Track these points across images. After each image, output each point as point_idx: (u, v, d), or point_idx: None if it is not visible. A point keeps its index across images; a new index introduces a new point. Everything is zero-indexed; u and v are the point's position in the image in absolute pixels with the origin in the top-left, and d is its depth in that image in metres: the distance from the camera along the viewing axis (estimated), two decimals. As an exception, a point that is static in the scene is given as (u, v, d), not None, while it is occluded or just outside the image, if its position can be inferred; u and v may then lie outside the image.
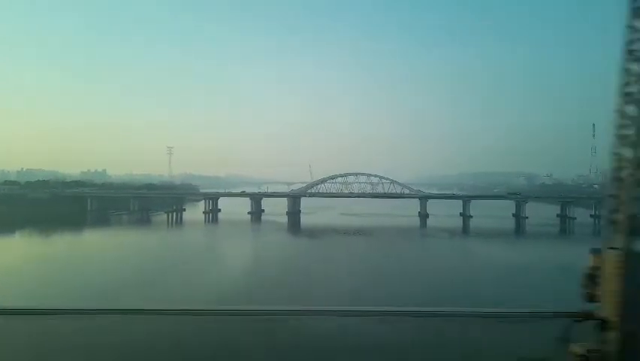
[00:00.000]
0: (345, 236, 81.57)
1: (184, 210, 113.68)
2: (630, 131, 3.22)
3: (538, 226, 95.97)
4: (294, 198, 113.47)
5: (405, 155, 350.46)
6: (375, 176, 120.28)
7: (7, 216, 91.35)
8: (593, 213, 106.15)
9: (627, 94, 3.31)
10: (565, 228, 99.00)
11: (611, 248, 3.21)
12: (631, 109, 3.26)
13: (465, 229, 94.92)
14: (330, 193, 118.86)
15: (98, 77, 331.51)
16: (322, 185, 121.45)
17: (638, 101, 3.32)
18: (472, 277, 42.45)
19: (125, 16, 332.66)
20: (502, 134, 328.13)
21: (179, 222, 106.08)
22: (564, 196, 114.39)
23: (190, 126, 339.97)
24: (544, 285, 38.07)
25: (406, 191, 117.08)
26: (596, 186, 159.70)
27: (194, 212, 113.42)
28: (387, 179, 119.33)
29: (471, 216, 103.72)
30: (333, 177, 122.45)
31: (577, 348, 3.12)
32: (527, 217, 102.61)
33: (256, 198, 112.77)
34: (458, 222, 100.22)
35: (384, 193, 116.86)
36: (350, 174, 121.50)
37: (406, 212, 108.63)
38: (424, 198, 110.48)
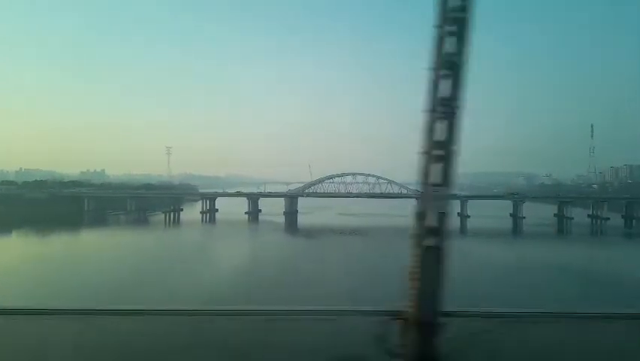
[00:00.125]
0: (342, 236, 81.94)
1: (181, 210, 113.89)
2: (439, 132, 3.25)
3: (535, 225, 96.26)
4: (292, 199, 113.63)
5: (405, 155, 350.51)
6: (373, 176, 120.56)
7: (4, 216, 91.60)
8: (590, 213, 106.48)
9: (436, 94, 3.37)
10: (562, 228, 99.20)
11: (421, 246, 3.26)
12: (440, 108, 3.30)
13: (462, 229, 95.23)
14: (327, 193, 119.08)
15: (98, 77, 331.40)
16: (320, 185, 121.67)
17: (448, 101, 3.38)
18: (460, 277, 42.44)
19: (125, 16, 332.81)
20: (502, 134, 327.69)
21: (177, 222, 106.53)
22: (561, 196, 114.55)
23: (190, 126, 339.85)
24: (532, 284, 38.07)
25: (404, 191, 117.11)
26: (594, 186, 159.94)
27: (192, 212, 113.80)
28: (384, 179, 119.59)
29: (468, 216, 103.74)
30: (330, 177, 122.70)
31: (388, 346, 3.15)
32: (524, 217, 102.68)
33: (253, 198, 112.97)
34: (456, 222, 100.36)
35: (382, 193, 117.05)
36: (347, 174, 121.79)
37: (404, 212, 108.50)
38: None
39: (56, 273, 47.74)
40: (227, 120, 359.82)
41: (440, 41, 3.61)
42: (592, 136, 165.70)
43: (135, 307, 4.47)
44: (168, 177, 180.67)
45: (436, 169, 3.51)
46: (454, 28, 3.63)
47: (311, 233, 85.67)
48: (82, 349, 3.87)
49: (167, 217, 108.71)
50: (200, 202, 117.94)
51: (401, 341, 3.36)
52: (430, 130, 3.54)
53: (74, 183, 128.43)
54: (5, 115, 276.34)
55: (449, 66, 3.56)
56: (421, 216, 3.50)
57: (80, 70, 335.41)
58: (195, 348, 3.92)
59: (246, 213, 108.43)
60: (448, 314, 3.64)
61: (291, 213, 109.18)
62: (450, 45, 3.60)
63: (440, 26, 3.56)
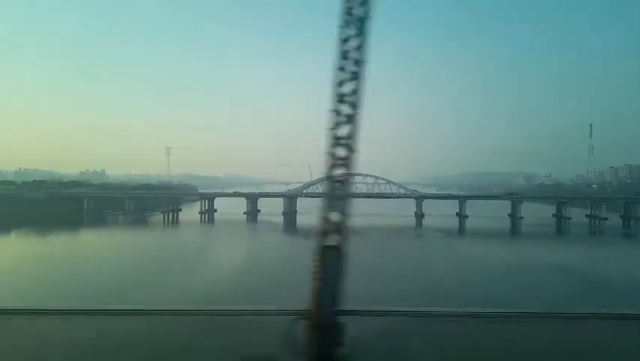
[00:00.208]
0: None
1: (180, 210, 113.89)
2: (343, 131, 3.25)
3: (533, 226, 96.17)
4: (290, 199, 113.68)
5: (405, 155, 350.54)
6: (371, 176, 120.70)
7: (3, 216, 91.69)
8: (588, 213, 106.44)
9: (340, 94, 3.39)
10: (560, 228, 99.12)
11: (324, 245, 3.26)
12: (344, 108, 3.34)
13: (461, 229, 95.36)
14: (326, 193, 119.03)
15: (98, 77, 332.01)
16: (318, 185, 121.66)
17: (351, 100, 3.41)
18: (451, 277, 42.64)
19: (125, 17, 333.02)
20: (502, 135, 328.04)
21: (175, 222, 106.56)
22: (559, 196, 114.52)
23: (190, 126, 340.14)
24: (516, 284, 38.09)
25: (402, 191, 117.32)
26: (594, 186, 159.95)
27: (191, 212, 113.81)
28: (382, 179, 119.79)
29: (467, 216, 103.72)
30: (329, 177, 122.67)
31: (291, 345, 3.17)
32: (523, 217, 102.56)
33: (252, 199, 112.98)
34: (454, 222, 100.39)
35: (379, 193, 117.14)
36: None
37: (402, 212, 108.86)
38: (419, 198, 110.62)
39: (54, 273, 47.72)
40: (227, 120, 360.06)
41: (344, 42, 3.73)
42: (591, 136, 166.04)
43: (135, 308, 4.50)
44: (168, 178, 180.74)
45: (339, 169, 3.56)
46: (355, 28, 3.69)
47: (310, 233, 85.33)
48: (81, 349, 3.91)
49: (166, 217, 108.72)
50: (199, 202, 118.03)
51: (303, 341, 3.39)
52: (334, 130, 3.62)
53: (73, 184, 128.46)
54: (5, 115, 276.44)
55: (351, 66, 3.67)
56: (323, 215, 3.52)
57: (80, 70, 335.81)
58: (195, 348, 3.96)
59: (244, 213, 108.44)
60: (352, 313, 3.62)
61: (289, 214, 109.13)
62: (352, 45, 3.71)
63: (342, 27, 3.70)
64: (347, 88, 3.59)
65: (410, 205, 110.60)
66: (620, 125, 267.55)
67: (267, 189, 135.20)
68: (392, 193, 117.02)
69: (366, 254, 60.70)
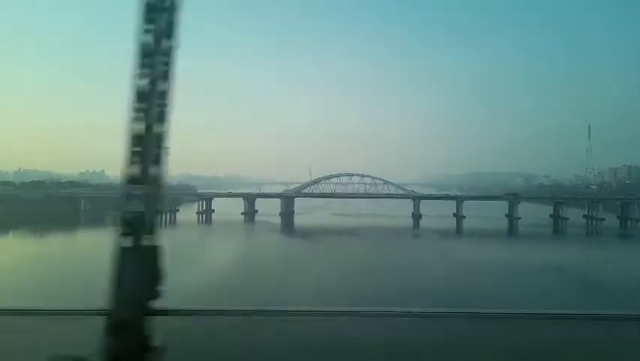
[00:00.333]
0: (336, 236, 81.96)
1: (177, 210, 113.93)
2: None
3: (530, 226, 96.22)
4: (288, 199, 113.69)
5: (405, 155, 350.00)
6: (369, 176, 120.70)
7: (1, 216, 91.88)
8: (586, 213, 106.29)
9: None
10: (557, 228, 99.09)
11: (121, 245, 3.16)
12: (147, 104, 3.18)
13: (458, 230, 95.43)
14: (323, 194, 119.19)
15: (98, 77, 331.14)
16: (316, 185, 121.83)
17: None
18: (442, 277, 42.74)
19: (125, 17, 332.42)
20: (503, 135, 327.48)
21: (173, 222, 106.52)
22: (556, 197, 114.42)
23: (190, 127, 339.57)
24: (508, 285, 38.21)
25: (400, 192, 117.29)
26: (593, 186, 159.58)
27: (189, 212, 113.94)
28: (380, 179, 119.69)
29: (464, 217, 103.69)
30: (327, 178, 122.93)
31: (96, 346, 3.13)
32: (520, 218, 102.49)
33: (250, 199, 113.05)
34: (451, 222, 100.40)
35: (377, 194, 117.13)
36: (343, 175, 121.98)
37: (400, 213, 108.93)
38: (417, 199, 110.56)
39: (48, 273, 48.04)
40: (227, 121, 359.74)
41: (145, 35, 3.62)
42: (589, 137, 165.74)
43: None
44: (167, 178, 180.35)
45: (142, 166, 3.44)
46: (155, 24, 3.58)
47: (307, 234, 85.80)
48: (81, 349, 3.94)
49: (163, 218, 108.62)
50: (197, 203, 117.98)
51: (106, 341, 3.30)
52: (134, 125, 3.46)
53: (71, 184, 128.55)
54: (5, 115, 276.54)
55: (156, 63, 3.56)
56: (123, 215, 3.36)
57: (80, 70, 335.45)
58: (194, 348, 3.96)
59: (242, 213, 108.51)
60: (160, 313, 3.50)
61: (287, 214, 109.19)
62: (155, 41, 3.61)
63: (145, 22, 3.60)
64: (150, 81, 3.48)
65: (408, 206, 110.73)
66: (619, 126, 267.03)
67: (267, 189, 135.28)
68: (390, 194, 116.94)
69: (357, 255, 61.29)
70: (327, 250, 66.46)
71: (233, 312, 4.62)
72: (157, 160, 3.52)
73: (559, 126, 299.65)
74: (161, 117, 3.47)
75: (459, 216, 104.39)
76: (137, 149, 3.33)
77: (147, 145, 3.39)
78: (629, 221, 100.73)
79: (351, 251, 64.46)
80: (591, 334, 4.21)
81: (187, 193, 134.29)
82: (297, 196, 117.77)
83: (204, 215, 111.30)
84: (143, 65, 3.45)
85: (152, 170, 3.44)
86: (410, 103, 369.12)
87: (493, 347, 3.99)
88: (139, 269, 3.22)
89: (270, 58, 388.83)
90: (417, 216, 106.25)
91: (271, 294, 33.88)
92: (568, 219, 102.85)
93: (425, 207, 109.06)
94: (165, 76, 3.53)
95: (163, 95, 3.50)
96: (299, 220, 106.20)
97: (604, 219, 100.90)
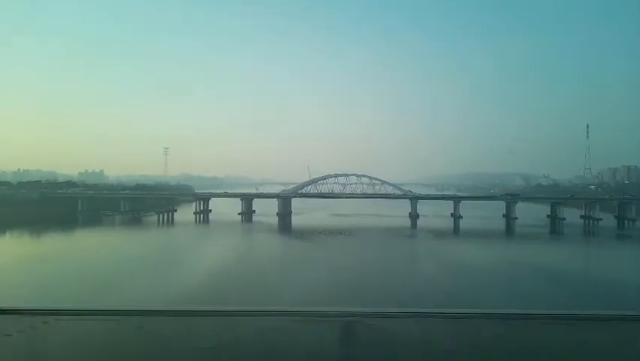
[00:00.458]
0: (333, 236, 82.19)
1: (175, 210, 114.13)
2: None
3: (527, 226, 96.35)
4: (285, 199, 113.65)
5: (406, 155, 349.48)
6: (366, 176, 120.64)
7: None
8: (583, 213, 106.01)
9: None
10: (554, 229, 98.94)
11: None
12: None
13: (455, 230, 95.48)
14: (320, 194, 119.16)
15: (98, 77, 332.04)
16: (313, 185, 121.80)
17: None
18: (434, 277, 42.83)
19: (125, 17, 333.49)
20: (502, 135, 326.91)
21: (170, 222, 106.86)
22: (553, 197, 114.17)
23: (191, 127, 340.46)
24: (491, 285, 38.28)
25: (397, 192, 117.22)
26: (591, 187, 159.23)
27: (187, 213, 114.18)
28: (377, 180, 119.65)
29: (461, 217, 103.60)
30: (324, 178, 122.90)
31: None
32: (517, 218, 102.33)
33: (247, 199, 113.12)
34: (448, 222, 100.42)
35: (374, 194, 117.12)
36: (341, 175, 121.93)
37: (398, 212, 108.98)
38: (414, 199, 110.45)
39: (45, 273, 48.26)
40: (228, 121, 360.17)
41: None
42: (587, 137, 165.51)
43: (135, 308, 4.49)
44: (167, 178, 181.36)
45: None
46: None
47: (304, 234, 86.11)
48: (81, 349, 3.88)
49: (161, 218, 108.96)
50: (194, 203, 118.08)
51: None
52: None
53: (68, 184, 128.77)
54: (4, 115, 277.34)
55: None
56: None
57: (80, 70, 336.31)
58: (194, 348, 3.89)
59: (239, 213, 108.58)
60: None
61: (284, 214, 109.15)
62: None
63: None
64: None
65: (407, 206, 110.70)
66: (619, 126, 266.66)
67: (267, 189, 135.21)
68: (387, 194, 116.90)
69: (353, 255, 61.36)
70: (321, 250, 66.61)
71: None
72: None
73: (559, 126, 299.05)
74: None
75: (456, 217, 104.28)
76: None
77: None
78: (626, 221, 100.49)
79: (345, 251, 64.62)
80: (591, 334, 4.21)
81: (184, 193, 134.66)
82: (294, 196, 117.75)
83: (202, 215, 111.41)
84: None
85: None
86: (411, 103, 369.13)
87: (493, 347, 3.96)
88: None
89: (271, 58, 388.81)
90: (414, 216, 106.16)
91: (251, 294, 34.09)
92: (565, 219, 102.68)
93: (424, 207, 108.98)
94: None
95: None
96: (296, 220, 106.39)
97: (601, 219, 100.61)
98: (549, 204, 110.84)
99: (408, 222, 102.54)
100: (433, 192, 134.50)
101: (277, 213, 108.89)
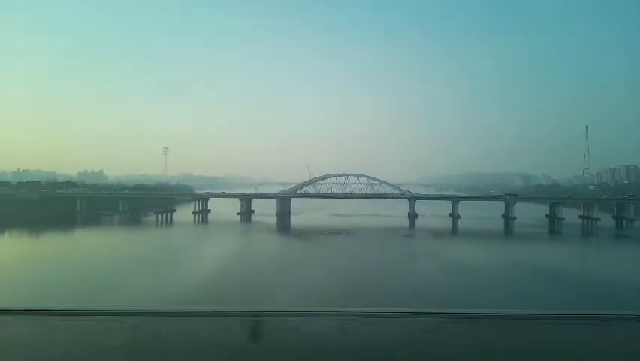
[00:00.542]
0: (331, 236, 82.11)
1: (174, 210, 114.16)
2: None
3: (526, 226, 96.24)
4: (284, 199, 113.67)
5: (406, 155, 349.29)
6: (364, 176, 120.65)
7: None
8: (582, 213, 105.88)
9: None
10: (553, 229, 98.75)
11: None
12: None
13: (453, 230, 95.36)
14: (319, 194, 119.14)
15: (98, 77, 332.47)
16: (312, 185, 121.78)
17: None
18: (426, 277, 42.85)
19: (125, 18, 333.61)
20: (502, 135, 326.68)
21: (169, 222, 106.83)
22: (552, 197, 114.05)
23: (190, 127, 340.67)
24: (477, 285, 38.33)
25: (396, 191, 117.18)
26: (591, 187, 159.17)
27: (186, 213, 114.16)
28: (376, 179, 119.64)
29: (459, 217, 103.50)
30: (323, 178, 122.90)
31: None
32: (515, 218, 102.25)
33: (246, 199, 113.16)
34: (446, 222, 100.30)
35: (372, 194, 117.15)
36: (340, 175, 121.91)
37: (396, 212, 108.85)
38: (412, 199, 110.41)
39: (40, 273, 48.25)
40: (228, 121, 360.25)
41: None
42: (586, 137, 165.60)
43: (135, 308, 4.52)
44: (167, 178, 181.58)
45: None
46: None
47: (302, 234, 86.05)
48: (80, 349, 3.90)
49: (160, 218, 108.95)
50: (193, 203, 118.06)
51: None
52: None
53: (67, 184, 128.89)
54: (4, 116, 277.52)
55: None
56: None
57: (80, 70, 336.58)
58: (192, 348, 3.93)
59: (238, 213, 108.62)
60: None
61: (283, 214, 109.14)
62: None
63: None
64: None
65: (405, 206, 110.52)
66: (619, 126, 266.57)
67: (267, 189, 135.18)
68: (385, 194, 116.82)
69: (349, 255, 61.37)
70: (319, 250, 66.57)
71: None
72: None
73: (559, 127, 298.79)
74: None
75: (454, 217, 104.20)
76: None
77: None
78: (624, 221, 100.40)
79: (343, 251, 64.61)
80: (591, 334, 4.25)
81: (182, 193, 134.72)
82: (293, 196, 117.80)
83: (200, 215, 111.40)
84: None
85: None
86: (411, 103, 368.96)
87: (493, 347, 3.99)
88: None
89: (271, 58, 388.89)
90: (412, 216, 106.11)
91: (248, 294, 34.15)
92: (564, 219, 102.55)
93: (422, 207, 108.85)
94: None
95: None
96: (295, 220, 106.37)
97: (599, 219, 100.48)
98: (548, 205, 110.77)
99: (406, 222, 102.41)
100: (432, 192, 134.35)
101: (276, 213, 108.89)
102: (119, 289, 36.81)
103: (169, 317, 4.64)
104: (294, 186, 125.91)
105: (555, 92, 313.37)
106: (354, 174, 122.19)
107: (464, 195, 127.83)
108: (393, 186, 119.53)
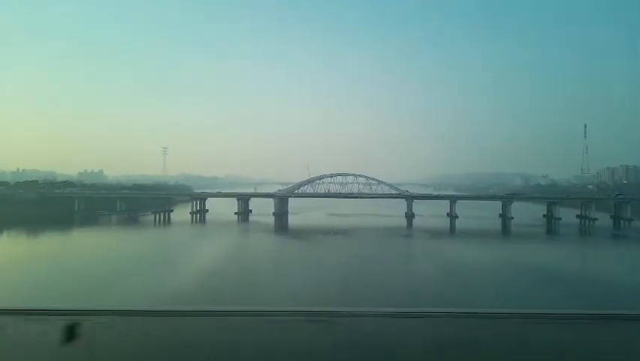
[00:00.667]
0: (328, 236, 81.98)
1: (172, 210, 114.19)
2: None
3: (523, 226, 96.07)
4: (281, 199, 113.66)
5: (406, 155, 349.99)
6: (362, 176, 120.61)
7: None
8: (579, 213, 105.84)
9: None
10: (550, 228, 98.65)
11: None
12: None
13: (451, 230, 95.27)
14: (316, 194, 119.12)
15: (98, 77, 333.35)
16: (309, 185, 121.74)
17: None
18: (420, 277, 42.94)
19: (125, 18, 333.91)
20: (502, 135, 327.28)
21: (167, 222, 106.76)
22: (549, 197, 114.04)
23: (191, 127, 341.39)
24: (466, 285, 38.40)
25: (393, 191, 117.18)
26: (590, 186, 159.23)
27: (184, 213, 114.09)
28: (374, 179, 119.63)
29: (456, 217, 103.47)
30: (321, 177, 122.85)
31: None
32: (513, 218, 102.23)
33: (244, 199, 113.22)
34: (444, 222, 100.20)
35: (370, 194, 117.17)
36: (337, 175, 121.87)
37: (394, 212, 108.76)
38: (410, 199, 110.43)
39: (38, 273, 48.28)
40: (228, 121, 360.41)
41: None
42: (585, 136, 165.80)
43: (135, 308, 4.56)
44: (166, 178, 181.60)
45: None
46: None
47: (300, 234, 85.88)
48: (80, 349, 3.89)
49: (157, 218, 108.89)
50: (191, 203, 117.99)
51: None
52: None
53: (65, 184, 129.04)
54: (4, 116, 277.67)
55: None
56: None
57: (80, 70, 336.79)
58: (194, 349, 3.94)
59: (235, 213, 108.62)
60: None
61: (280, 214, 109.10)
62: None
63: None
64: None
65: (403, 206, 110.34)
66: (619, 126, 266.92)
67: (266, 189, 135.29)
68: (383, 194, 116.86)
69: (346, 254, 61.37)
70: (316, 249, 66.50)
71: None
72: None
73: (559, 126, 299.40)
74: None
75: (452, 216, 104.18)
76: None
77: None
78: (622, 221, 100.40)
79: (340, 251, 64.52)
80: (591, 333, 4.27)
81: (180, 193, 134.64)
82: (291, 196, 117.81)
83: (198, 215, 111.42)
84: None
85: None
86: (411, 103, 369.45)
87: (493, 346, 4.02)
88: None
89: (271, 60, 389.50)
90: (410, 216, 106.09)
91: (245, 294, 34.24)
92: (561, 219, 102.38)
93: (420, 207, 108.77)
94: None
95: None
96: (293, 220, 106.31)
97: (596, 219, 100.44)
98: (545, 204, 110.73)
99: (404, 222, 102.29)
100: (431, 192, 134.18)
101: (273, 213, 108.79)
102: (115, 288, 36.88)
103: (166, 316, 4.67)
104: (291, 186, 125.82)
105: (555, 92, 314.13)
106: (353, 174, 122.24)
107: (462, 194, 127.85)
108: (391, 186, 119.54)
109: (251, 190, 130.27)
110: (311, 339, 4.14)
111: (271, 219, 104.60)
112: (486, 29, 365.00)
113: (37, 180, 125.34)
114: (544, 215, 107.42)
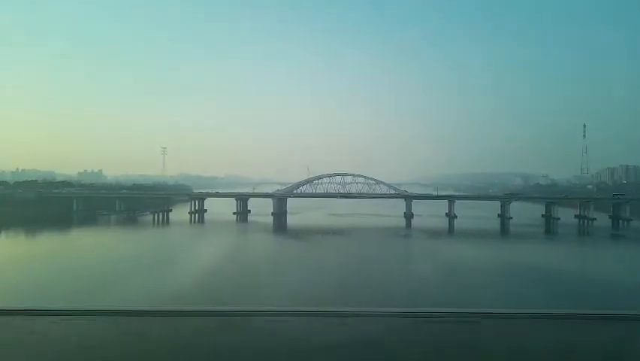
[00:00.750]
0: (326, 236, 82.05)
1: (170, 210, 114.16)
2: None
3: (522, 226, 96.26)
4: (280, 199, 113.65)
5: (406, 155, 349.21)
6: (361, 176, 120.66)
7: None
8: (577, 213, 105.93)
9: None
10: (548, 228, 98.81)
11: None
12: None
13: (449, 229, 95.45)
14: (315, 194, 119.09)
15: (98, 77, 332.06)
16: (308, 185, 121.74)
17: None
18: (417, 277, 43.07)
19: (125, 17, 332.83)
20: (502, 135, 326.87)
21: (166, 222, 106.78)
22: (548, 197, 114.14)
23: (190, 127, 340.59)
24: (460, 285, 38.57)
25: (392, 191, 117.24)
26: (589, 186, 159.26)
27: (183, 212, 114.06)
28: (373, 179, 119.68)
29: (455, 217, 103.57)
30: (319, 177, 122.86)
31: None
32: (511, 218, 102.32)
33: (243, 199, 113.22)
34: (443, 222, 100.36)
35: (369, 194, 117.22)
36: (336, 175, 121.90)
37: (393, 212, 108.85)
38: (408, 199, 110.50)
39: (37, 273, 48.32)
40: (228, 121, 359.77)
41: None
42: (584, 136, 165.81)
43: (135, 308, 4.59)
44: (166, 178, 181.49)
45: None
46: None
47: (297, 234, 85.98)
48: (80, 349, 3.90)
49: (156, 218, 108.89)
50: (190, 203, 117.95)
51: None
52: None
53: (64, 184, 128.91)
54: (5, 115, 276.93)
55: None
56: None
57: (80, 70, 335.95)
58: (194, 349, 3.93)
59: (234, 213, 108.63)
60: None
61: (279, 214, 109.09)
62: None
63: None
64: None
65: (402, 206, 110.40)
66: (618, 126, 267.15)
67: (266, 189, 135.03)
68: (382, 194, 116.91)
69: (344, 254, 61.49)
70: (314, 249, 66.62)
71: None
72: None
73: (559, 126, 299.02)
74: None
75: (451, 216, 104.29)
76: None
77: None
78: (620, 221, 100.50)
79: (338, 251, 64.60)
80: (591, 333, 4.28)
81: (179, 193, 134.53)
82: (290, 196, 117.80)
83: (197, 215, 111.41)
84: None
85: None
86: (411, 103, 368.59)
87: (493, 346, 4.03)
88: None
89: (271, 60, 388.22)
90: (408, 216, 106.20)
91: (243, 294, 34.37)
92: (559, 219, 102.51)
93: (419, 207, 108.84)
94: None
95: None
96: (292, 220, 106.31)
97: (595, 219, 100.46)
98: (544, 204, 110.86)
99: (403, 221, 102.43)
100: (430, 192, 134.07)
101: (272, 213, 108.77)
102: (115, 288, 36.91)
103: (168, 317, 4.68)
104: (290, 186, 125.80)
105: (555, 92, 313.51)
106: (352, 174, 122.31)
107: (461, 194, 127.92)
108: (389, 186, 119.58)
109: (250, 190, 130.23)
110: (311, 339, 4.15)
111: (270, 219, 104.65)
112: (486, 29, 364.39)
113: (36, 180, 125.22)
114: (542, 215, 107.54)
